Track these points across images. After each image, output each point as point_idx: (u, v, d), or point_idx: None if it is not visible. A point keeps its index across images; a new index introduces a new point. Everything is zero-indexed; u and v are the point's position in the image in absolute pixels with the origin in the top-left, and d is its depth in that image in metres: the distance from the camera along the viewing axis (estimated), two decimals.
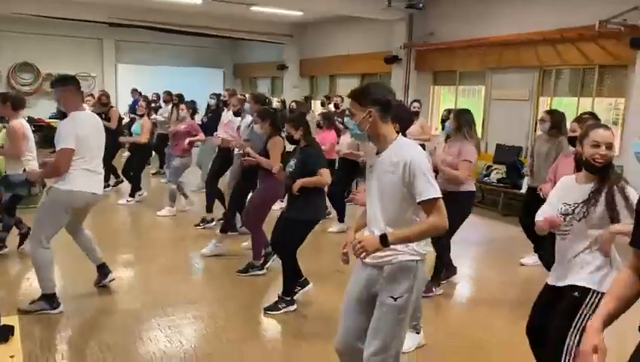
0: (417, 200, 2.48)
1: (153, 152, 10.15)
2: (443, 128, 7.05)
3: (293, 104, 9.87)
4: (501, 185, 8.77)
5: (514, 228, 7.21)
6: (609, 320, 1.72)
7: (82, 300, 4.55)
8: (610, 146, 2.70)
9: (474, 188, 5.23)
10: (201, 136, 7.74)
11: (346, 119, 3.05)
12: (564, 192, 2.86)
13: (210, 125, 8.85)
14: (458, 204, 4.68)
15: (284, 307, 4.44)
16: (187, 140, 7.46)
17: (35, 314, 4.10)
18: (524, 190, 8.00)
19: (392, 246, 2.51)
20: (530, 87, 9.39)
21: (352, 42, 13.30)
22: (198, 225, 7.07)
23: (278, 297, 4.50)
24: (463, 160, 4.91)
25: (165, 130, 10.43)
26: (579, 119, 4.68)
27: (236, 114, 7.07)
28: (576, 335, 2.64)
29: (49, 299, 4.19)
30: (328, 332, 3.92)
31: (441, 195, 2.49)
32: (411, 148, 2.57)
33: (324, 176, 4.31)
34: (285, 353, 3.81)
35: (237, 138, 6.51)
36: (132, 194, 8.38)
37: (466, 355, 3.87)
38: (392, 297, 2.56)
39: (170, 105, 10.58)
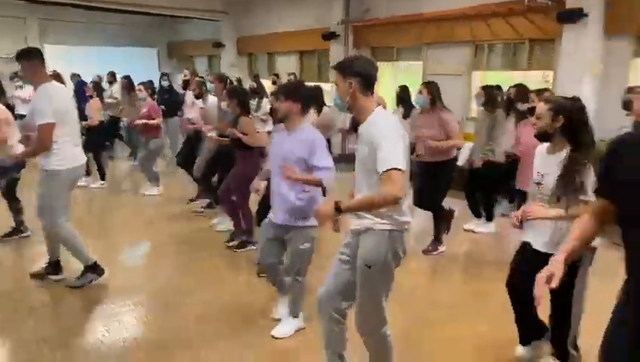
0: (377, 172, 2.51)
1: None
2: (398, 105, 7.17)
3: (254, 84, 9.84)
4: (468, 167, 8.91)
5: (454, 200, 7.44)
6: (571, 256, 1.85)
7: (16, 293, 4.33)
8: (538, 117, 2.86)
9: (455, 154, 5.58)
10: (159, 120, 7.63)
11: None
12: (539, 161, 3.04)
13: (167, 107, 8.67)
14: (447, 172, 5.33)
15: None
16: (141, 122, 7.42)
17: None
18: (460, 163, 8.22)
19: (369, 215, 2.61)
20: (465, 62, 9.60)
21: (290, 19, 13.13)
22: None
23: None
24: (452, 127, 5.20)
25: (115, 112, 10.11)
26: (538, 91, 5.02)
27: (197, 97, 7.03)
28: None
29: (92, 268, 4.41)
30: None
31: (397, 166, 2.46)
32: (380, 121, 2.60)
33: None
34: (230, 335, 3.74)
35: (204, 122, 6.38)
36: (102, 178, 8.32)
37: (411, 327, 3.93)
38: (365, 265, 2.64)
39: (114, 86, 10.37)
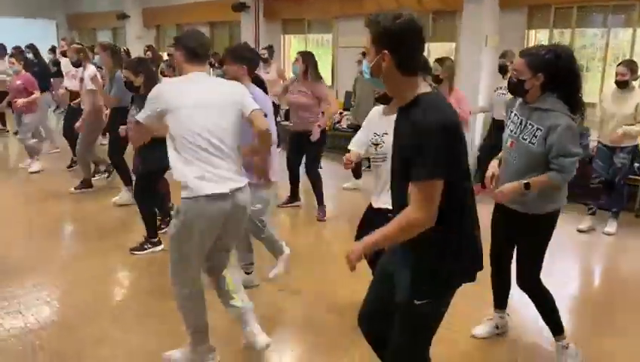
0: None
1: None
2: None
3: (149, 53, 9.44)
4: (350, 130, 9.14)
5: None
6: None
7: None
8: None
9: None
10: (37, 93, 7.16)
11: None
12: (374, 122, 3.14)
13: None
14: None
15: (150, 247, 4.57)
16: (19, 102, 6.90)
17: None
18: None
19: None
20: None
21: None
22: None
23: (144, 238, 4.59)
24: (323, 93, 5.57)
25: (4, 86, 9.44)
26: (439, 60, 5.35)
27: (76, 64, 6.61)
28: None
29: None
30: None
31: None
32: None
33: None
34: (134, 311, 3.69)
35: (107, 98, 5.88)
36: None
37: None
38: None
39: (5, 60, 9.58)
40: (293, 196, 6.10)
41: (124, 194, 5.94)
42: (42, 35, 15.53)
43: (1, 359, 3.05)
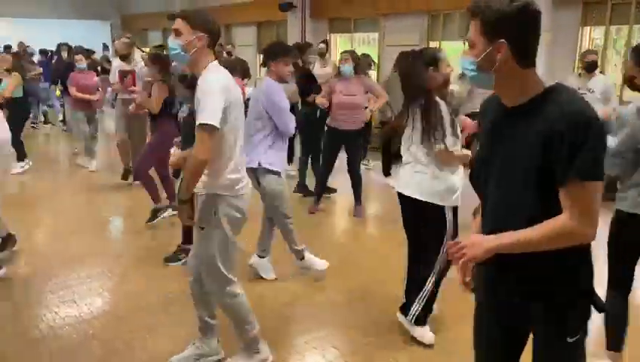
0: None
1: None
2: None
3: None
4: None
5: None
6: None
7: None
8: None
9: None
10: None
11: None
12: None
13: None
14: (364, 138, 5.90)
15: (184, 257, 4.33)
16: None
17: None
18: None
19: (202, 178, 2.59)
20: (421, 32, 9.65)
21: None
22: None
23: (178, 247, 4.45)
24: (378, 88, 5.83)
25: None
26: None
27: (123, 58, 7.01)
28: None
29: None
30: None
31: (208, 121, 2.37)
32: (208, 75, 2.51)
33: None
34: (184, 303, 3.76)
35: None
36: (20, 158, 7.55)
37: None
38: (199, 226, 2.70)
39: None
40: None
41: None
42: (95, 36, 16.10)
43: (56, 345, 3.19)
